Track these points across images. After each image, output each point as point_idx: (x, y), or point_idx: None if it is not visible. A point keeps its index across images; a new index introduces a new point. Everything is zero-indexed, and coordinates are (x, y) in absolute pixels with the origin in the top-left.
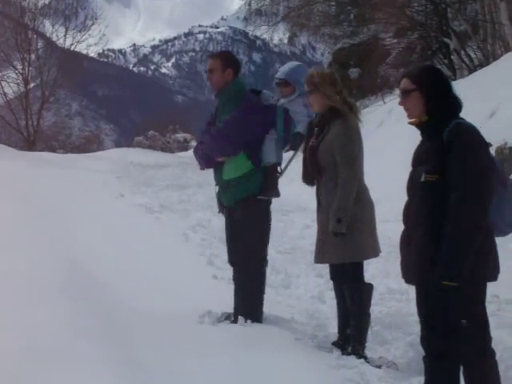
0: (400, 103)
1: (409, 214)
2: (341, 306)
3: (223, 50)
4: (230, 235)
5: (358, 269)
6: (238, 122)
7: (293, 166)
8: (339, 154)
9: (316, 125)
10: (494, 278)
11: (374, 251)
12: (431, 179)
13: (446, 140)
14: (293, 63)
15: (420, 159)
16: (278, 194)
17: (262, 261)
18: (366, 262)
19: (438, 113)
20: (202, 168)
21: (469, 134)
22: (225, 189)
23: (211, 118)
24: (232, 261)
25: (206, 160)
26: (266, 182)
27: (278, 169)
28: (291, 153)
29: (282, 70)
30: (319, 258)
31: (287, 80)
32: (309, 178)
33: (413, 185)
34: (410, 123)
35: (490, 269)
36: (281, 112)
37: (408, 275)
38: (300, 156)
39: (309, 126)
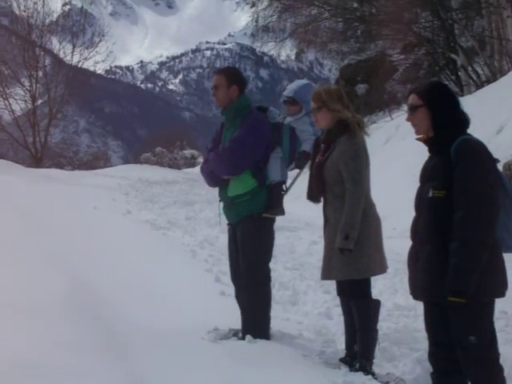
0: (407, 119)
1: (417, 230)
2: (348, 322)
3: (229, 65)
4: (233, 253)
5: (365, 285)
6: (244, 141)
7: (299, 183)
8: (346, 171)
9: (322, 141)
10: (501, 294)
11: (381, 267)
12: (439, 195)
13: (453, 156)
14: (301, 81)
15: (427, 175)
16: (282, 213)
17: (265, 279)
18: (373, 279)
19: (445, 129)
20: (210, 185)
21: (475, 150)
22: (229, 206)
23: (216, 134)
24: (234, 279)
25: (212, 178)
26: (271, 200)
27: (283, 187)
28: (296, 171)
29: (290, 88)
30: (326, 274)
31: (295, 98)
32: (314, 195)
33: (420, 201)
34: (418, 139)
35: (497, 285)
36: (287, 130)
37: (416, 291)
38: (306, 174)
39: (315, 143)
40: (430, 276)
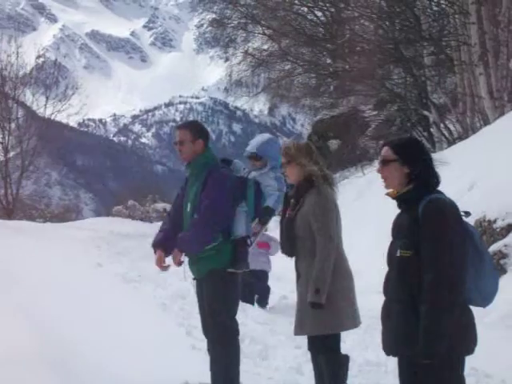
0: (378, 170)
1: (388, 287)
2: (318, 377)
3: (191, 120)
4: (202, 307)
5: (335, 340)
6: (218, 206)
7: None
8: (316, 225)
9: (292, 196)
10: (471, 351)
11: (354, 322)
12: (406, 255)
13: (420, 215)
14: (264, 136)
15: (395, 232)
16: (247, 267)
17: (233, 333)
18: (344, 333)
19: (417, 186)
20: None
21: (439, 212)
22: (194, 260)
23: (182, 190)
24: (205, 332)
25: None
26: (236, 254)
27: (248, 241)
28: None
29: (253, 144)
30: (298, 329)
31: (257, 154)
32: (288, 249)
33: (391, 258)
34: (387, 194)
35: (467, 343)
36: (252, 184)
37: (386, 348)
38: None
39: (285, 198)
40: (399, 335)
